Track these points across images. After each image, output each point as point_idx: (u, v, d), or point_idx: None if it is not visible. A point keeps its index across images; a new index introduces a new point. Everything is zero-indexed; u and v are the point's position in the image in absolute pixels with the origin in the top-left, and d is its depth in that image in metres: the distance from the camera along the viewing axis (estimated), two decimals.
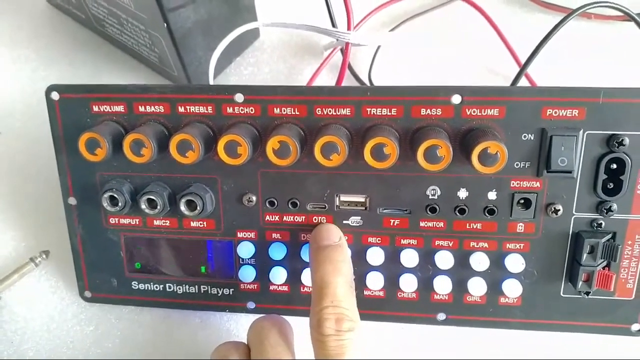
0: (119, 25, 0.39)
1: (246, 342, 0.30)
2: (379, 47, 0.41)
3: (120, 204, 0.31)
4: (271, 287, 0.32)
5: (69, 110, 0.31)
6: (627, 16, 0.35)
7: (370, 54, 0.41)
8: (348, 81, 0.41)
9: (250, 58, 0.42)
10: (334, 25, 0.37)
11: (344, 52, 0.36)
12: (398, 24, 0.42)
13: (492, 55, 0.40)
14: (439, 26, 0.42)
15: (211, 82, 0.35)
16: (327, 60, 0.40)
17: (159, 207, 0.30)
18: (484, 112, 0.28)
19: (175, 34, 0.35)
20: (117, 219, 0.32)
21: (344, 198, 0.30)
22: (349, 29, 0.35)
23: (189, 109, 0.30)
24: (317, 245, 0.29)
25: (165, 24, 0.34)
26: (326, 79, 0.40)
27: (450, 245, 0.30)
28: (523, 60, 0.36)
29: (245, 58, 0.42)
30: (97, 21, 0.41)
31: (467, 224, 0.30)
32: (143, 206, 0.30)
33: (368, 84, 0.40)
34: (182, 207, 0.30)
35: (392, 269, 0.31)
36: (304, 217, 0.31)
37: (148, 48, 0.39)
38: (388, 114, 0.28)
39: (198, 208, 0.30)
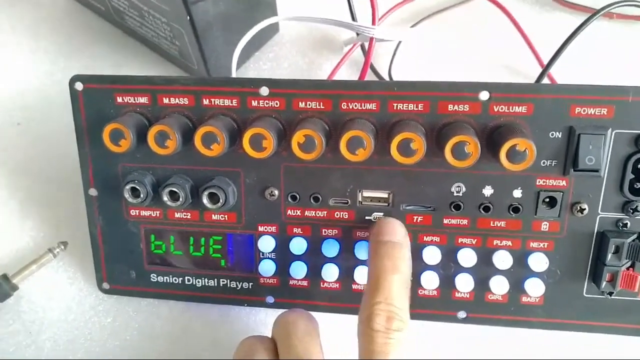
0: (139, 18, 0.39)
1: (271, 337, 0.29)
2: (399, 43, 0.41)
3: (142, 196, 0.30)
4: (291, 282, 0.32)
5: (93, 100, 0.31)
6: None
7: (389, 50, 0.41)
8: (368, 77, 0.40)
9: (270, 53, 0.42)
10: (353, 19, 0.37)
11: (368, 47, 0.36)
12: (419, 20, 0.42)
13: (513, 54, 0.39)
14: (461, 23, 0.41)
15: (234, 75, 0.35)
16: (348, 55, 0.39)
17: (180, 199, 0.30)
18: (512, 109, 0.27)
19: (197, 26, 0.35)
20: (137, 211, 0.32)
21: (366, 194, 0.30)
22: (373, 23, 0.35)
23: (214, 101, 0.29)
24: (378, 239, 0.28)
25: (188, 17, 0.34)
26: (346, 75, 0.40)
27: (474, 243, 0.30)
28: (545, 60, 0.36)
29: (264, 53, 0.42)
30: (117, 13, 0.41)
31: (491, 222, 0.29)
32: (165, 198, 0.30)
33: (388, 80, 0.40)
34: (205, 200, 0.30)
35: (414, 266, 0.31)
36: (325, 212, 0.31)
37: (168, 41, 0.39)
38: (414, 109, 0.28)
39: (220, 201, 0.30)
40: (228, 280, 0.33)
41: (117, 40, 0.43)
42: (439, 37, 0.41)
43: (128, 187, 0.30)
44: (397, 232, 0.28)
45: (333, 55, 0.42)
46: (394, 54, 0.40)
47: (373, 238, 0.29)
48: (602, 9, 0.34)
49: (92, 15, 0.44)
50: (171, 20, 0.36)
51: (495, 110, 0.27)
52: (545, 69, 0.36)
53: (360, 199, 0.30)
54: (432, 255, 0.30)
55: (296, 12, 0.41)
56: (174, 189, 0.30)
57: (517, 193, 0.29)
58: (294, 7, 0.42)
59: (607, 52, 0.39)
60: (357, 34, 0.37)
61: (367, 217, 0.30)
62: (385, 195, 0.30)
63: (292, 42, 0.42)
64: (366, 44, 0.38)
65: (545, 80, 0.37)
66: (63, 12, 0.44)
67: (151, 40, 0.41)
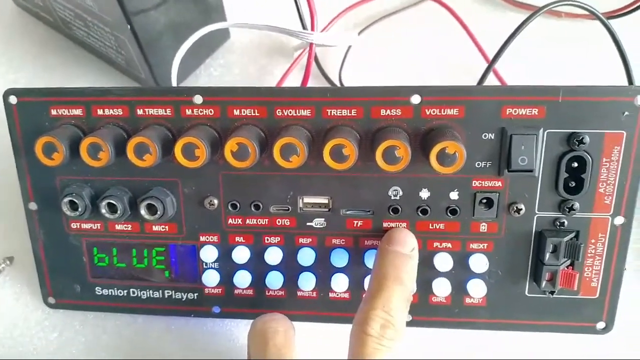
0: (85, 28, 0.39)
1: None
2: (349, 47, 0.41)
3: (80, 209, 0.30)
4: (236, 291, 0.32)
5: (28, 114, 0.30)
6: (593, 15, 0.35)
7: (342, 55, 0.40)
8: (319, 81, 0.40)
9: (221, 59, 0.42)
10: (303, 25, 0.37)
11: (308, 52, 0.36)
12: (369, 24, 0.42)
13: (463, 54, 0.39)
14: (411, 26, 0.42)
15: (174, 84, 0.35)
16: (297, 60, 0.39)
17: (119, 211, 0.30)
18: (444, 112, 0.27)
19: (140, 36, 0.35)
20: (78, 224, 0.32)
21: (307, 200, 0.30)
22: (312, 29, 0.35)
23: (148, 111, 0.29)
24: (387, 248, 0.28)
25: (129, 26, 0.34)
26: (296, 80, 0.40)
27: None
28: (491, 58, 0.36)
29: (215, 59, 0.42)
30: (64, 24, 0.41)
31: (430, 224, 0.29)
32: (103, 211, 0.30)
33: (338, 85, 0.40)
34: (143, 211, 0.30)
35: (357, 271, 0.31)
36: (267, 219, 0.30)
37: (115, 50, 0.39)
38: (348, 114, 0.28)
39: (159, 212, 0.30)
40: (173, 292, 0.32)
41: (67, 50, 0.42)
42: (390, 40, 0.41)
43: (66, 200, 0.30)
44: (406, 243, 0.28)
45: (284, 61, 0.41)
46: (344, 58, 0.40)
47: (382, 245, 0.28)
48: (542, 7, 0.34)
49: (41, 26, 0.44)
50: (114, 30, 0.36)
51: (427, 113, 0.27)
52: (489, 66, 0.36)
53: (301, 205, 0.30)
54: (373, 259, 0.30)
55: (244, 18, 0.41)
56: (111, 201, 0.30)
57: (454, 195, 0.29)
58: (244, 13, 0.42)
59: (555, 49, 0.39)
60: (301, 40, 0.37)
61: (308, 224, 0.30)
62: (325, 201, 0.30)
63: (242, 49, 0.42)
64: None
65: (492, 78, 0.37)
66: (12, 23, 0.44)
67: (99, 50, 0.40)
